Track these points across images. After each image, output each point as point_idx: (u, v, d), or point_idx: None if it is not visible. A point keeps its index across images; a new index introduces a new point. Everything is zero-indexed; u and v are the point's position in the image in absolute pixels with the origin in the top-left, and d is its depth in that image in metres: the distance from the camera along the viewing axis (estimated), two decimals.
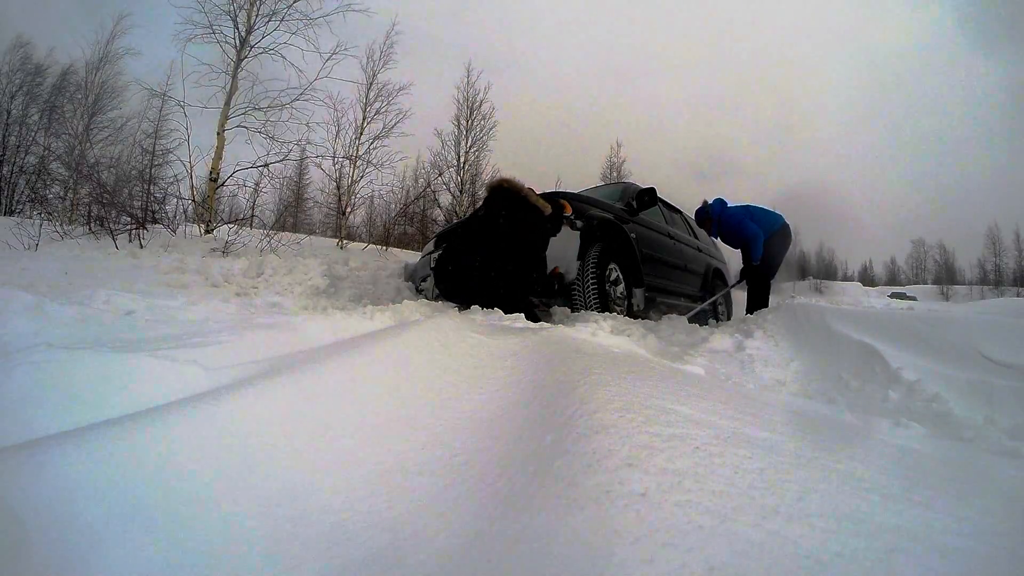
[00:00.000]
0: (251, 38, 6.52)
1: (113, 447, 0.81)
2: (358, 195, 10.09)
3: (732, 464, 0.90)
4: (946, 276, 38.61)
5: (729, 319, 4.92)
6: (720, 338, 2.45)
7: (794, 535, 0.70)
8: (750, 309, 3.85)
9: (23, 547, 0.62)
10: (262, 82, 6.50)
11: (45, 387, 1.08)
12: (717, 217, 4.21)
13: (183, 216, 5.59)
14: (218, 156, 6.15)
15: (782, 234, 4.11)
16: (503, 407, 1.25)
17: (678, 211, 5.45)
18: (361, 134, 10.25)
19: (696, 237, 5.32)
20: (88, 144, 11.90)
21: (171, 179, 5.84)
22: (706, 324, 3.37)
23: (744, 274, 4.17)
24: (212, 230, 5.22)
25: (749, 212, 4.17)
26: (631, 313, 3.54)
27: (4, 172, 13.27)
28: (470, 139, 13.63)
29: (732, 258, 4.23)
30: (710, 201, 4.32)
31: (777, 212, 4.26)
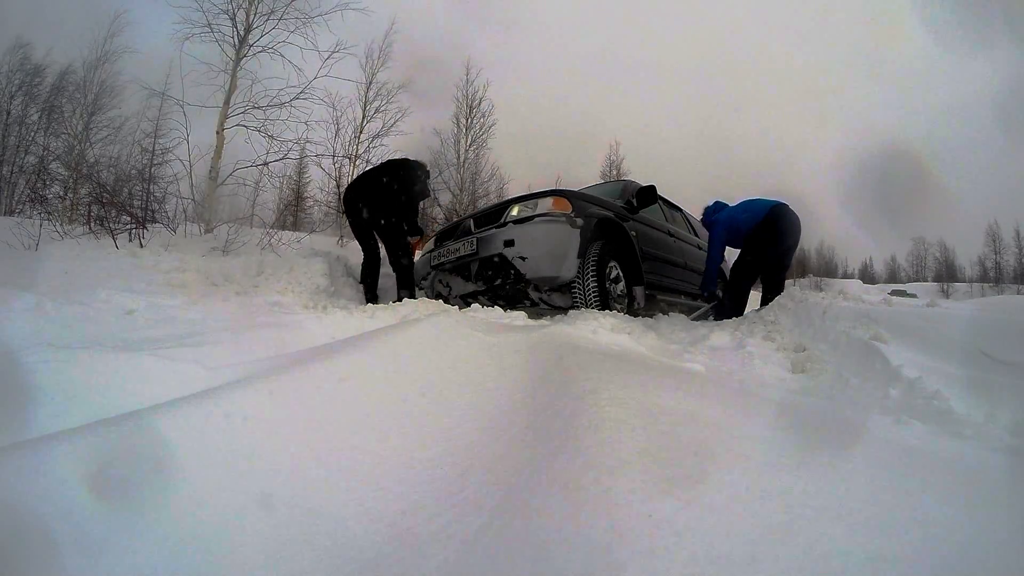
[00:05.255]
0: (250, 36, 6.50)
1: (113, 446, 0.81)
2: None
3: (732, 461, 0.90)
4: (946, 274, 38.49)
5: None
6: (720, 335, 2.45)
7: (794, 531, 0.70)
8: (717, 317, 3.64)
9: (23, 547, 0.62)
10: (261, 81, 6.46)
11: (45, 387, 1.08)
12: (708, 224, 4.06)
13: (183, 215, 5.56)
14: (217, 155, 6.13)
15: (764, 226, 3.61)
16: (503, 405, 1.25)
17: (679, 209, 5.43)
18: (361, 132, 10.26)
19: (697, 235, 5.31)
20: (87, 144, 11.88)
21: (171, 178, 5.81)
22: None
23: (705, 297, 4.15)
24: (212, 229, 5.21)
25: (730, 220, 3.78)
26: (631, 311, 3.54)
27: (4, 172, 13.26)
28: (469, 137, 13.58)
29: (732, 255, 4.12)
30: (709, 204, 4.15)
31: (766, 200, 3.79)
